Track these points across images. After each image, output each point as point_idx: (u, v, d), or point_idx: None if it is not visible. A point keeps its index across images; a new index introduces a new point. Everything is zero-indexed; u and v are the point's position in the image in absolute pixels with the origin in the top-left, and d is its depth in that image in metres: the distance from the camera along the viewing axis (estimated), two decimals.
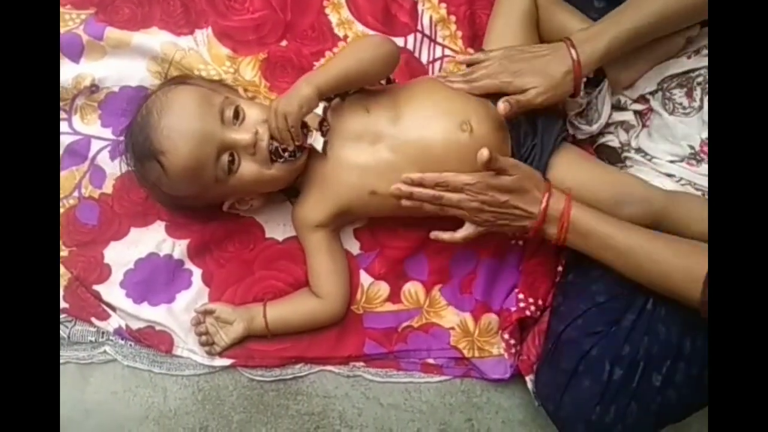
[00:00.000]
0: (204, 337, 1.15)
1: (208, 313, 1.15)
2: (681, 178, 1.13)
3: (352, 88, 1.09)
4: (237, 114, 1.05)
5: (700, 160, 1.12)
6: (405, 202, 1.06)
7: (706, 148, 1.11)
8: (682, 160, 1.14)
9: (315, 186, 1.12)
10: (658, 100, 1.16)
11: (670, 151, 1.15)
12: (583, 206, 1.04)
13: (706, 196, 1.12)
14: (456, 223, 1.09)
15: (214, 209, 1.15)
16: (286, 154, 1.04)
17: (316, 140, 1.06)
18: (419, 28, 1.25)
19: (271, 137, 1.04)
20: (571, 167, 1.12)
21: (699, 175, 1.13)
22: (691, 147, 1.13)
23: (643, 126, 1.19)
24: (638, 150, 1.18)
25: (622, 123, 1.20)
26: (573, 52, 1.06)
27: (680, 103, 1.14)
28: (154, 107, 1.04)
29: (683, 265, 0.98)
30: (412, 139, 1.08)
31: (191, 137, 1.01)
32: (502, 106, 1.06)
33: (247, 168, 1.05)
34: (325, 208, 1.11)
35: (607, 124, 1.22)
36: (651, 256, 1.00)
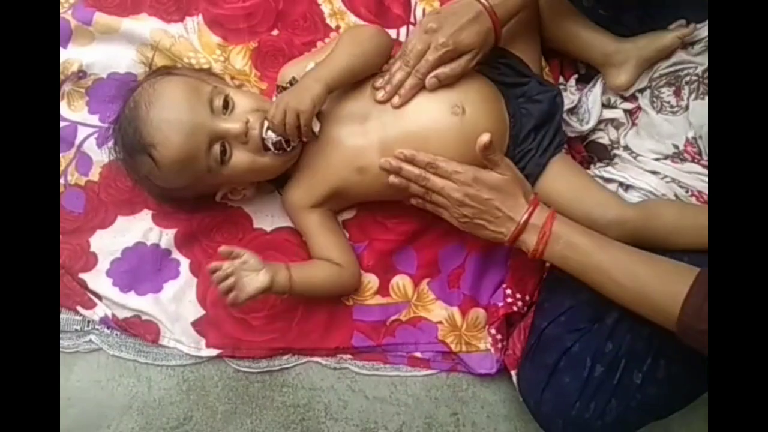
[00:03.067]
0: (229, 281, 1.04)
1: (235, 257, 1.06)
2: (665, 176, 1.16)
3: (354, 80, 1.11)
4: (226, 103, 1.06)
5: (683, 159, 1.15)
6: (392, 179, 1.08)
7: (689, 148, 1.14)
8: (666, 158, 1.17)
9: (305, 169, 1.14)
10: (647, 98, 1.19)
11: (655, 149, 1.18)
12: (566, 221, 1.05)
13: (689, 194, 1.15)
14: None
15: (206, 199, 1.16)
16: (289, 148, 1.06)
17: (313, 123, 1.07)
18: (412, 20, 1.27)
19: (273, 130, 1.05)
20: (557, 180, 1.14)
21: (683, 172, 1.15)
22: (675, 146, 1.16)
23: (633, 124, 1.22)
24: (626, 148, 1.21)
25: (612, 120, 1.23)
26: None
27: (668, 102, 1.17)
28: (142, 99, 1.05)
29: (663, 285, 0.96)
30: (400, 118, 1.10)
31: (181, 128, 1.02)
32: (430, 82, 1.08)
33: (240, 157, 1.06)
34: (317, 190, 1.13)
35: (598, 121, 1.25)
36: (631, 274, 0.99)
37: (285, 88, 1.11)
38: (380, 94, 1.10)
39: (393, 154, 1.08)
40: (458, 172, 1.04)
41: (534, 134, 1.15)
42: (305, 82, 1.05)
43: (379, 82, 1.11)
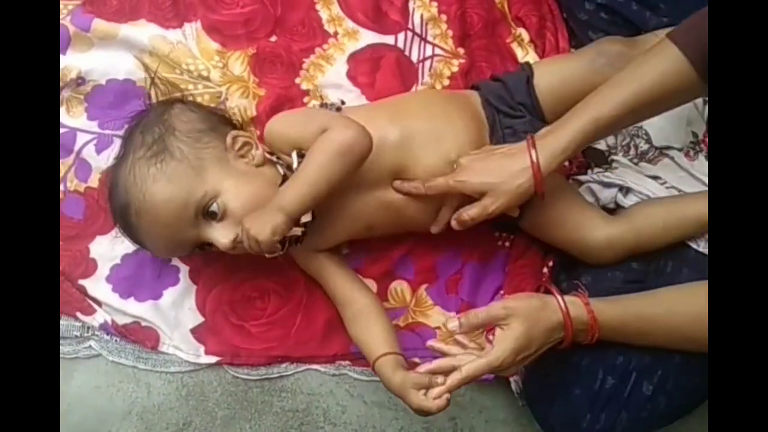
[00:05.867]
0: None
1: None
2: (665, 182, 1.17)
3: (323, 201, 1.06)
4: (219, 209, 1.03)
5: (699, 151, 1.15)
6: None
7: (708, 139, 1.14)
8: (681, 149, 1.17)
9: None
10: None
11: (674, 135, 1.17)
12: (601, 304, 1.03)
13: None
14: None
15: None
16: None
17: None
18: (410, 26, 1.28)
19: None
20: (542, 212, 1.15)
21: (689, 175, 1.16)
22: (695, 134, 1.15)
23: None
24: (639, 128, 1.20)
25: None
26: (533, 151, 1.02)
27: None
28: (132, 200, 1.02)
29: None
30: (398, 168, 1.11)
31: (168, 243, 1.06)
32: (454, 223, 1.08)
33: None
34: (327, 243, 1.16)
35: None
36: (685, 309, 1.01)
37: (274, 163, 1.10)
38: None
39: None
40: (497, 366, 0.98)
41: None
42: (270, 210, 1.00)
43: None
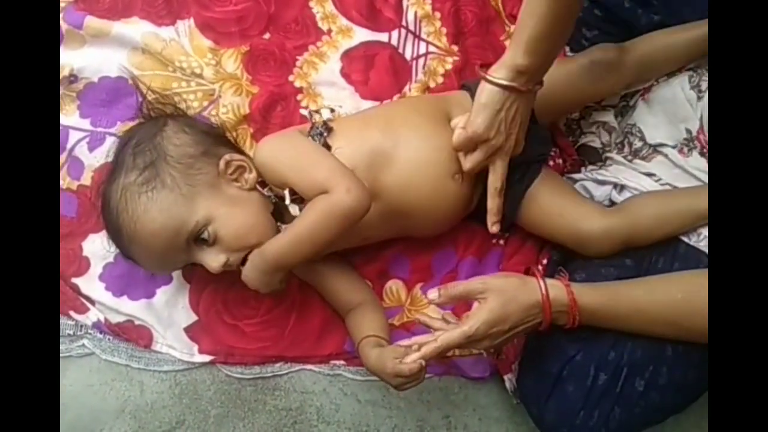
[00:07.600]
0: None
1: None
2: (660, 178, 1.18)
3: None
4: (210, 236, 1.03)
5: (692, 147, 1.16)
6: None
7: (702, 136, 1.15)
8: (675, 146, 1.18)
9: None
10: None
11: (668, 132, 1.18)
12: (582, 288, 1.05)
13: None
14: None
15: None
16: None
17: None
18: (404, 23, 1.30)
19: None
20: (538, 201, 1.17)
21: (683, 172, 1.16)
22: (689, 131, 1.16)
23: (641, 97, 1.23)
24: (633, 126, 1.22)
25: (603, 124, 1.26)
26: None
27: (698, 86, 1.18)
28: (123, 224, 1.02)
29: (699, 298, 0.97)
30: (405, 188, 1.11)
31: (159, 264, 1.09)
32: (493, 227, 1.12)
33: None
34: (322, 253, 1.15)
35: (589, 124, 1.29)
36: (666, 294, 1.03)
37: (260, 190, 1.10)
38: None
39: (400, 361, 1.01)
40: (470, 335, 1.00)
41: (516, 168, 1.16)
42: (271, 268, 1.04)
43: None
